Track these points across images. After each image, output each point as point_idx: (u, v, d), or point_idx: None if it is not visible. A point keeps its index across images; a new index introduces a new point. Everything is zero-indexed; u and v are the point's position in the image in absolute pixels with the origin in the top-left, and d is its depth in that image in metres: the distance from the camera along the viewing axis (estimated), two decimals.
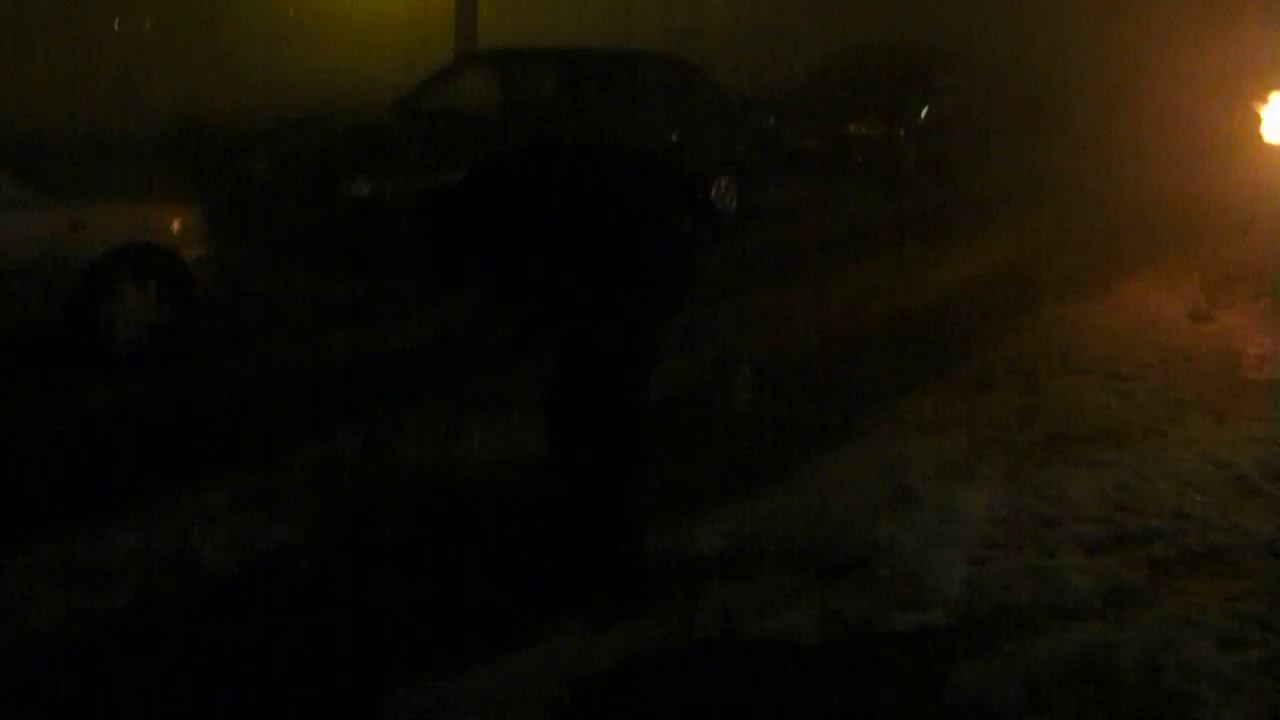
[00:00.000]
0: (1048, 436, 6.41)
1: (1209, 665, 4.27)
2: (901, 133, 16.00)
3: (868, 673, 4.23)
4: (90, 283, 6.93)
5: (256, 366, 7.42)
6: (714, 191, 12.14)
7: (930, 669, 4.22)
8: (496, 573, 4.81)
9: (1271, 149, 9.52)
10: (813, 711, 4.06)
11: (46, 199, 6.87)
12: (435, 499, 5.26)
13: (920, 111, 16.34)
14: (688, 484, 5.67)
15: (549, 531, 4.86)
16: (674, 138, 11.89)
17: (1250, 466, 6.03)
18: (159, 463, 5.86)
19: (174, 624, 4.43)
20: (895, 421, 6.60)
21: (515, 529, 5.03)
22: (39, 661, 4.17)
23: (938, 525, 5.29)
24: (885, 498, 5.55)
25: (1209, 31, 21.80)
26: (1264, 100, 9.32)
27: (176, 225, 7.43)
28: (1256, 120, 9.31)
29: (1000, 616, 4.57)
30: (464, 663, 4.16)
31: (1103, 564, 5.00)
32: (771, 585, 4.75)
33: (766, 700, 4.08)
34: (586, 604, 4.52)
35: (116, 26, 26.74)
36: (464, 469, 5.63)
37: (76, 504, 5.30)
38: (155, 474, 5.69)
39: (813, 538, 5.14)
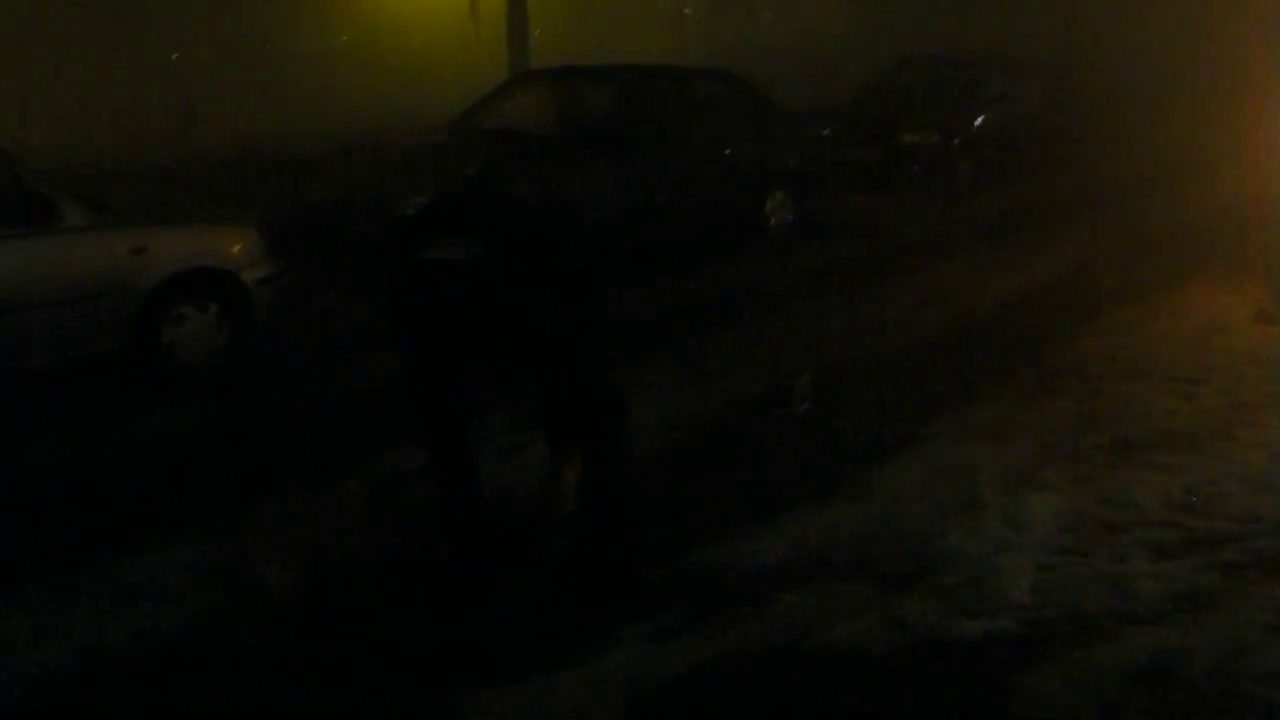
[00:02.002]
0: (1113, 441, 6.33)
1: None
2: (956, 142, 15.93)
3: (936, 681, 4.17)
4: (152, 306, 7.01)
5: (314, 386, 7.48)
6: (769, 204, 12.11)
7: (999, 676, 4.16)
8: (554, 585, 4.81)
9: None
10: None
11: (109, 225, 6.96)
12: (493, 513, 5.24)
13: (975, 120, 16.26)
14: (750, 495, 5.66)
15: (596, 544, 4.84)
16: (728, 151, 11.89)
17: None
18: (222, 482, 5.91)
19: (238, 636, 4.46)
20: (958, 429, 6.54)
21: (571, 542, 5.00)
22: (106, 676, 4.21)
23: (1004, 532, 5.22)
24: (950, 506, 5.49)
25: (1274, 36, 21.54)
26: None
27: (236, 248, 7.52)
28: None
29: (1069, 623, 4.49)
30: (525, 675, 4.14)
31: (1173, 568, 4.92)
32: (837, 594, 4.70)
33: (833, 710, 4.04)
34: (646, 616, 4.51)
35: (175, 58, 27.17)
36: (521, 483, 5.63)
37: (142, 523, 5.35)
38: (217, 492, 5.75)
39: (878, 546, 5.10)
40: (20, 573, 4.90)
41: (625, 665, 4.22)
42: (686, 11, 39.62)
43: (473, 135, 11.05)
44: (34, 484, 5.94)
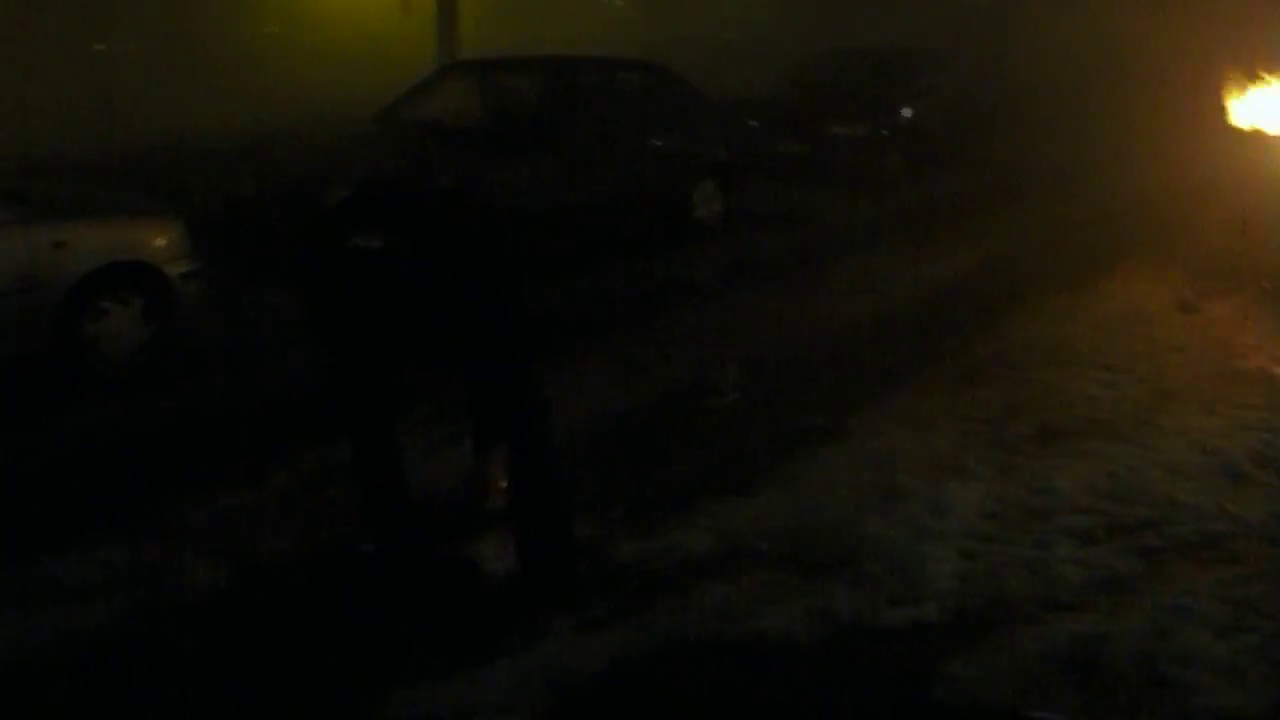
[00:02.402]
0: (1037, 429, 6.40)
1: (1204, 653, 4.26)
2: (884, 132, 16.00)
3: (860, 669, 4.21)
4: (74, 301, 6.91)
5: (241, 381, 7.40)
6: (697, 196, 12.12)
7: (923, 664, 4.20)
8: (481, 579, 4.80)
9: (1244, 134, 9.57)
10: (805, 710, 4.04)
11: (28, 218, 6.85)
12: (421, 508, 5.21)
13: (903, 111, 16.35)
14: (675, 485, 5.67)
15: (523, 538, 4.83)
16: (657, 143, 11.88)
17: (1240, 454, 6.03)
18: (147, 479, 5.83)
19: (166, 638, 4.41)
20: (883, 418, 6.58)
21: (499, 536, 4.99)
22: (31, 679, 4.15)
23: (928, 520, 5.27)
24: (874, 494, 5.54)
25: (1183, 28, 21.90)
26: (1235, 88, 9.36)
27: (160, 242, 7.42)
28: (1226, 108, 9.36)
29: (992, 609, 4.55)
30: (451, 670, 4.13)
31: (1095, 554, 4.99)
32: (761, 584, 4.73)
33: (758, 699, 4.06)
34: (571, 609, 4.51)
35: (98, 49, 26.75)
36: (449, 478, 5.60)
37: (65, 522, 5.28)
38: (143, 491, 5.67)
39: (802, 536, 5.13)
40: None
41: (553, 658, 4.22)
42: (618, 2, 39.60)
43: (399, 127, 11.00)
44: None
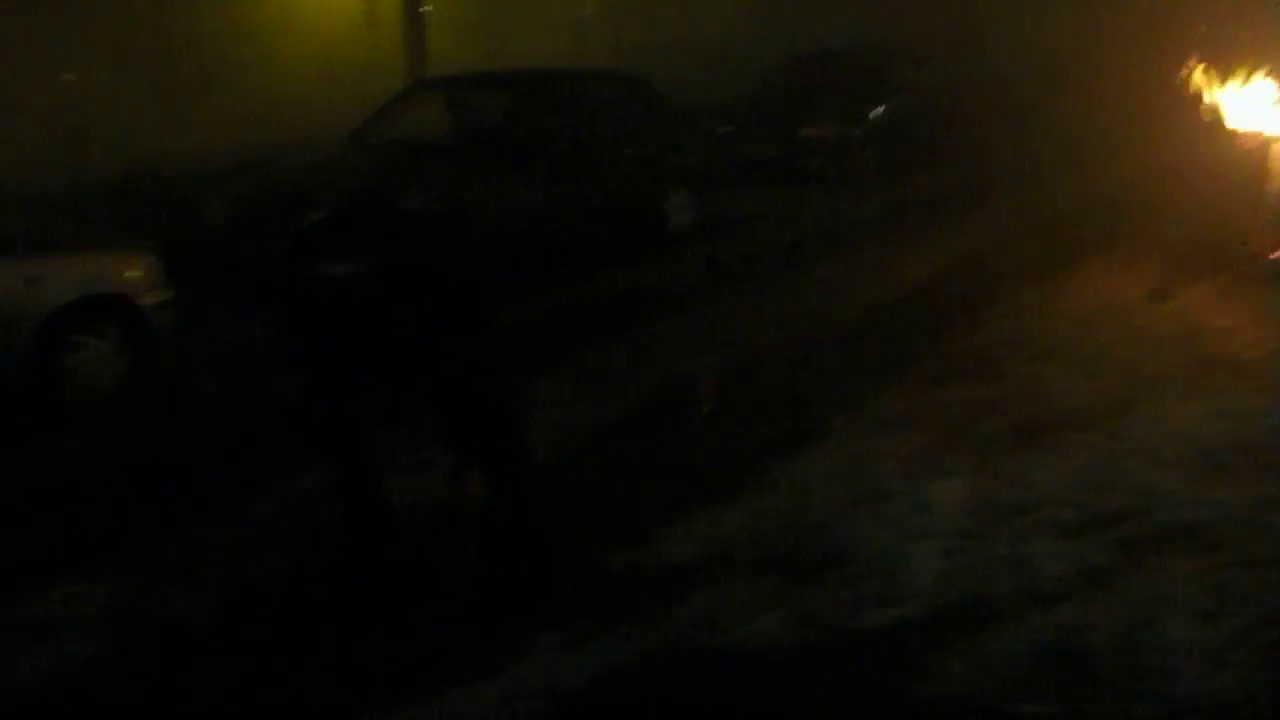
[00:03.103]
0: (1014, 424, 6.42)
1: (1186, 640, 4.28)
2: (857, 134, 16.03)
3: (846, 672, 4.22)
4: (49, 335, 6.91)
5: (220, 409, 7.39)
6: (670, 204, 12.15)
7: (908, 664, 4.22)
8: (466, 597, 4.80)
9: (1209, 128, 9.74)
10: (793, 715, 4.05)
11: (1, 254, 6.84)
12: (404, 531, 5.22)
13: (875, 112, 16.38)
14: (659, 495, 5.68)
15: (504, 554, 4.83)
16: (630, 153, 11.92)
17: (1217, 441, 6.06)
18: (128, 511, 5.82)
19: (153, 671, 4.40)
20: (863, 420, 6.61)
21: (480, 553, 4.99)
22: (16, 715, 4.14)
23: (909, 520, 5.30)
24: (856, 496, 5.56)
25: (1154, 28, 22.03)
26: (1200, 85, 9.51)
27: (133, 273, 7.42)
28: (1193, 104, 9.52)
29: (975, 606, 4.57)
30: (440, 689, 4.14)
31: (1075, 547, 5.01)
32: (746, 591, 4.75)
33: (746, 706, 4.07)
34: (558, 623, 4.52)
35: (69, 77, 26.68)
36: (428, 498, 5.60)
37: (47, 557, 5.27)
38: (125, 523, 5.66)
39: (785, 541, 5.15)
40: None
41: (540, 674, 4.23)
42: (586, 14, 39.63)
43: (369, 147, 11.00)
44: None
